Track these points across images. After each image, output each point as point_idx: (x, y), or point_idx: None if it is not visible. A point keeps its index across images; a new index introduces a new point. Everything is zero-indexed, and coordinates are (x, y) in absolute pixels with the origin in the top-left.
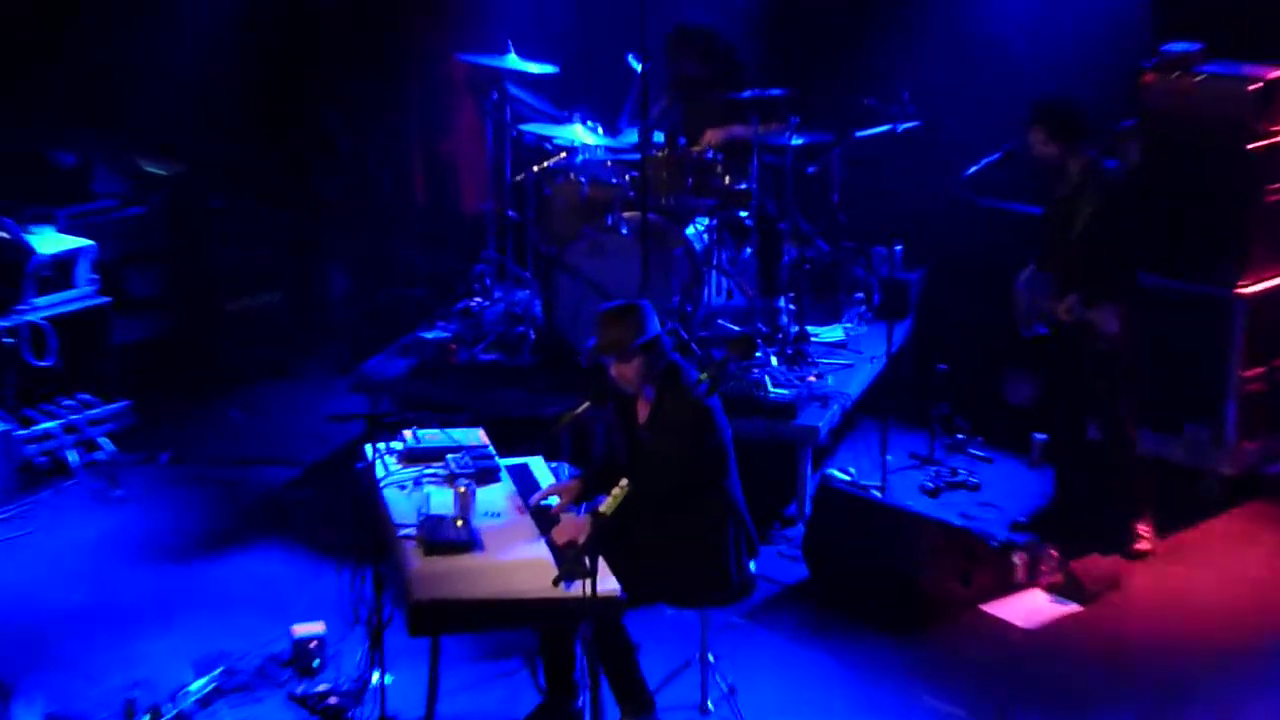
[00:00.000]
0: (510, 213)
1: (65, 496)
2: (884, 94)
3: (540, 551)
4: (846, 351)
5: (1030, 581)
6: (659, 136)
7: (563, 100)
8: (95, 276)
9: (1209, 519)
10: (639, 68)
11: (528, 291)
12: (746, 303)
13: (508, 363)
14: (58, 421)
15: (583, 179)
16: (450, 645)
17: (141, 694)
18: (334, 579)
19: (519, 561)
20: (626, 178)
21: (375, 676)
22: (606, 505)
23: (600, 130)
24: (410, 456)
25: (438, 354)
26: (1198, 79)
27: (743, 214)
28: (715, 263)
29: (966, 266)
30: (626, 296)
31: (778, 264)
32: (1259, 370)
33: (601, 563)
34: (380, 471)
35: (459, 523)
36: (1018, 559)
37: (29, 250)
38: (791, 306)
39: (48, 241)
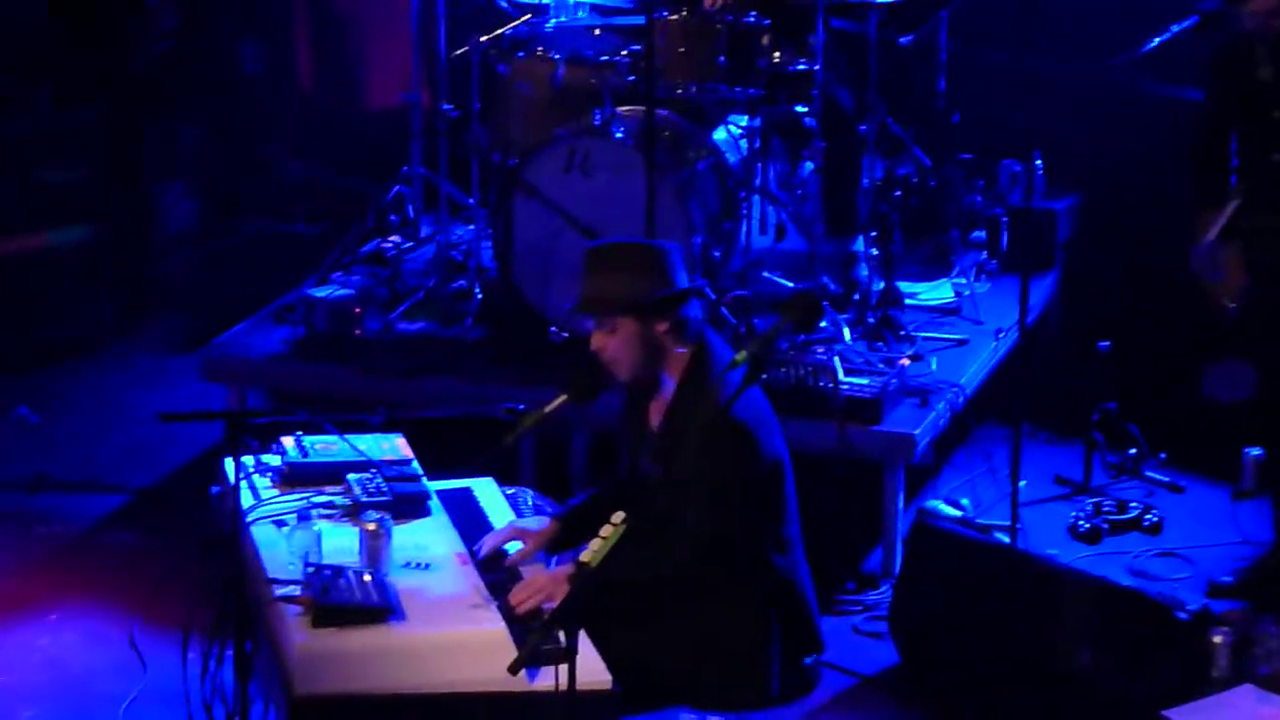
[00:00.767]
0: (445, 106)
1: None
2: None
3: (492, 624)
4: (959, 321)
5: (1238, 673)
6: None
7: None
8: None
9: None
10: None
11: (471, 228)
12: (806, 245)
13: (441, 335)
14: None
15: (556, 55)
16: None
17: None
18: (175, 663)
19: (458, 638)
20: (624, 53)
21: None
22: (592, 551)
23: None
24: (293, 478)
25: (334, 321)
26: None
27: (802, 109)
28: (759, 184)
29: (1143, 192)
30: (622, 234)
31: (854, 188)
32: None
33: (585, 640)
34: (247, 500)
35: (366, 578)
36: (1219, 638)
37: None
38: (875, 252)
39: None
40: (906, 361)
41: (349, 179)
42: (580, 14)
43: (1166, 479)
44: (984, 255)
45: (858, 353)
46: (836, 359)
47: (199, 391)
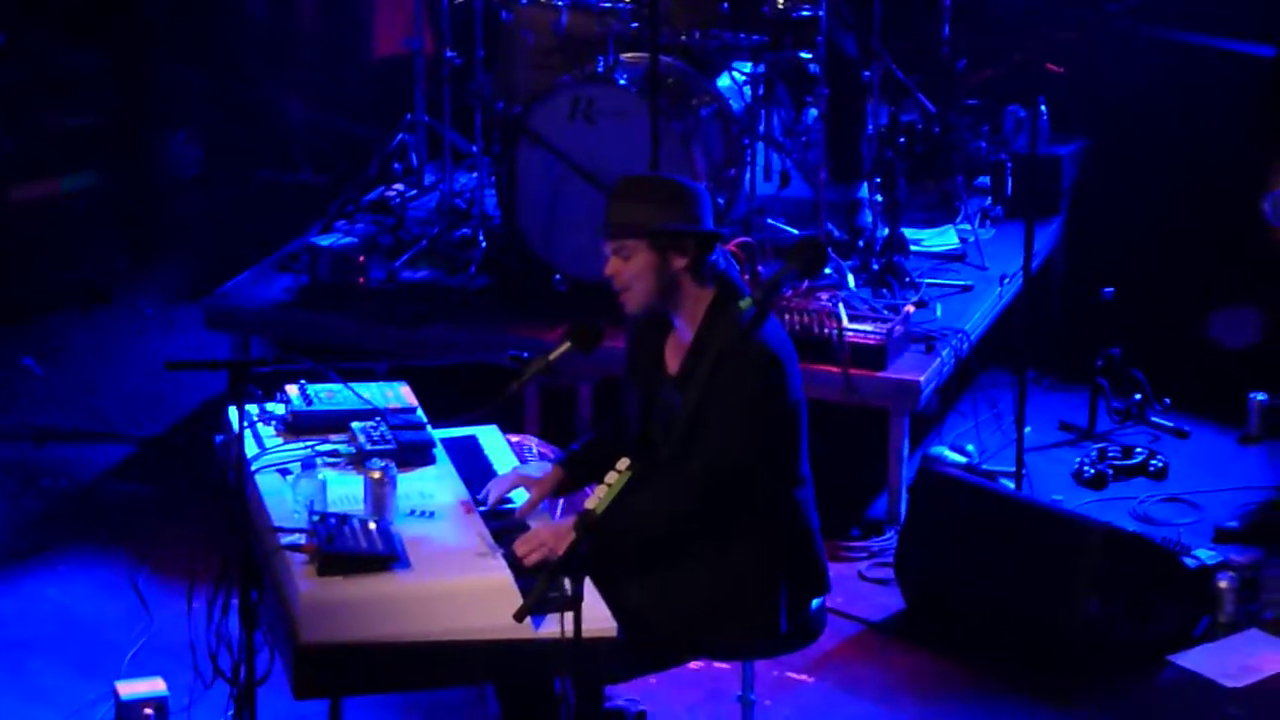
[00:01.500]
0: (449, 53)
1: None
2: None
3: (496, 571)
4: (963, 267)
5: (1243, 618)
6: None
7: None
8: None
9: None
10: None
11: (475, 175)
12: (811, 192)
13: (445, 283)
14: None
15: (560, 2)
16: (358, 713)
17: None
18: (179, 612)
19: (463, 586)
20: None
21: None
22: (597, 498)
23: None
24: (297, 426)
25: (338, 270)
26: None
27: (806, 56)
28: (763, 131)
29: (1147, 137)
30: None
31: (859, 134)
32: None
33: (590, 588)
34: (252, 449)
35: (371, 526)
36: (1225, 584)
37: None
38: (880, 198)
39: None
40: (911, 308)
41: (354, 125)
42: None
43: (1171, 424)
44: (989, 201)
45: (862, 299)
46: (841, 305)
47: (203, 340)
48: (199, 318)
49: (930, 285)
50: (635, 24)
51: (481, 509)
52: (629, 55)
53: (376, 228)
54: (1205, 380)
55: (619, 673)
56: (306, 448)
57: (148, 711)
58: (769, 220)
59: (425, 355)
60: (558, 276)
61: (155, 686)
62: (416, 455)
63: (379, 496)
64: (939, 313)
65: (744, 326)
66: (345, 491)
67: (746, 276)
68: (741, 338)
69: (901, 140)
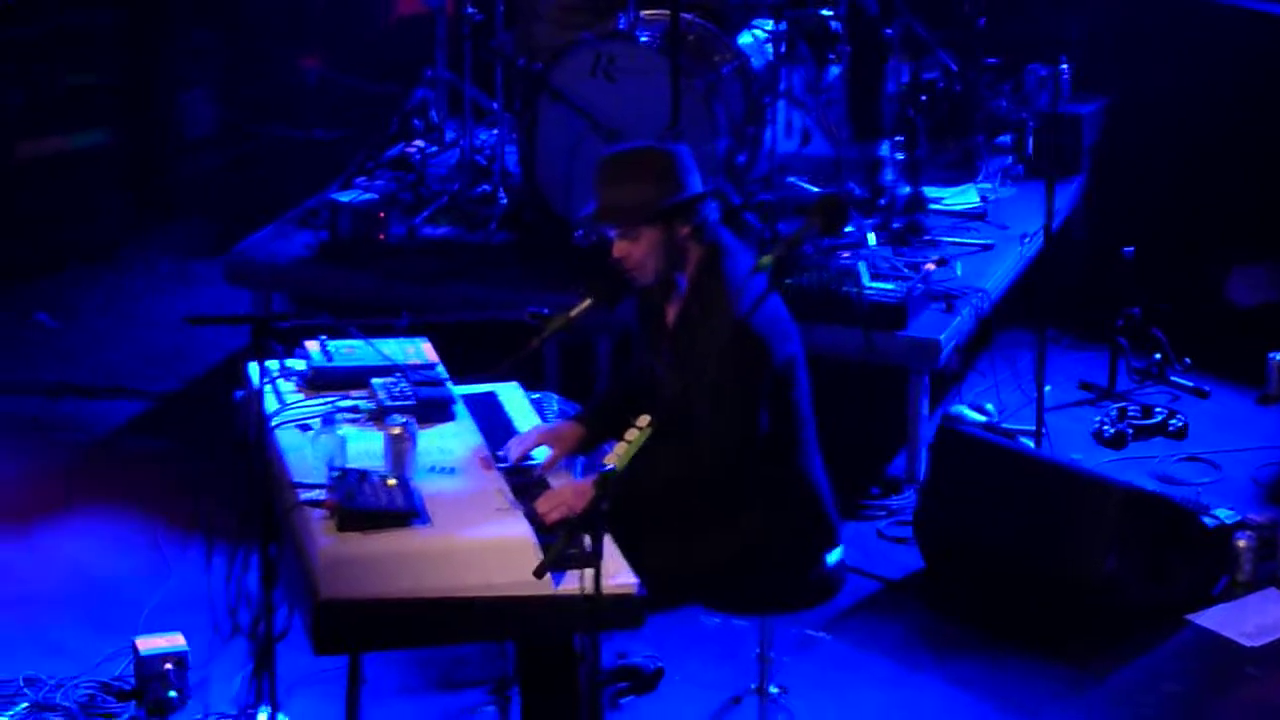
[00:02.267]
0: (469, 10)
1: None
2: None
3: (516, 528)
4: (984, 225)
5: (1261, 577)
6: None
7: None
8: None
9: None
10: None
11: (496, 131)
12: (832, 150)
13: (466, 239)
14: None
15: None
16: (377, 669)
17: None
18: (199, 567)
19: (482, 542)
20: None
21: (262, 717)
22: (617, 455)
23: None
24: (317, 382)
25: (358, 226)
26: None
27: (827, 13)
28: (784, 88)
29: (1171, 96)
30: (647, 137)
31: (880, 92)
32: None
33: (611, 545)
34: (271, 404)
35: (391, 483)
36: (1243, 543)
37: None
38: (901, 156)
39: None
40: (931, 266)
41: (372, 83)
42: None
43: (1191, 383)
44: (1010, 160)
45: (883, 258)
46: (861, 264)
47: (221, 295)
48: (215, 274)
49: (951, 244)
50: None
51: (502, 465)
52: (650, 12)
53: (397, 184)
54: (1225, 340)
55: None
56: (327, 403)
57: (167, 666)
58: (790, 178)
59: (445, 311)
60: (578, 232)
61: (174, 641)
62: (437, 411)
63: (399, 452)
64: (959, 271)
65: (731, 303)
66: (365, 447)
67: (767, 235)
68: (729, 320)
69: (923, 98)
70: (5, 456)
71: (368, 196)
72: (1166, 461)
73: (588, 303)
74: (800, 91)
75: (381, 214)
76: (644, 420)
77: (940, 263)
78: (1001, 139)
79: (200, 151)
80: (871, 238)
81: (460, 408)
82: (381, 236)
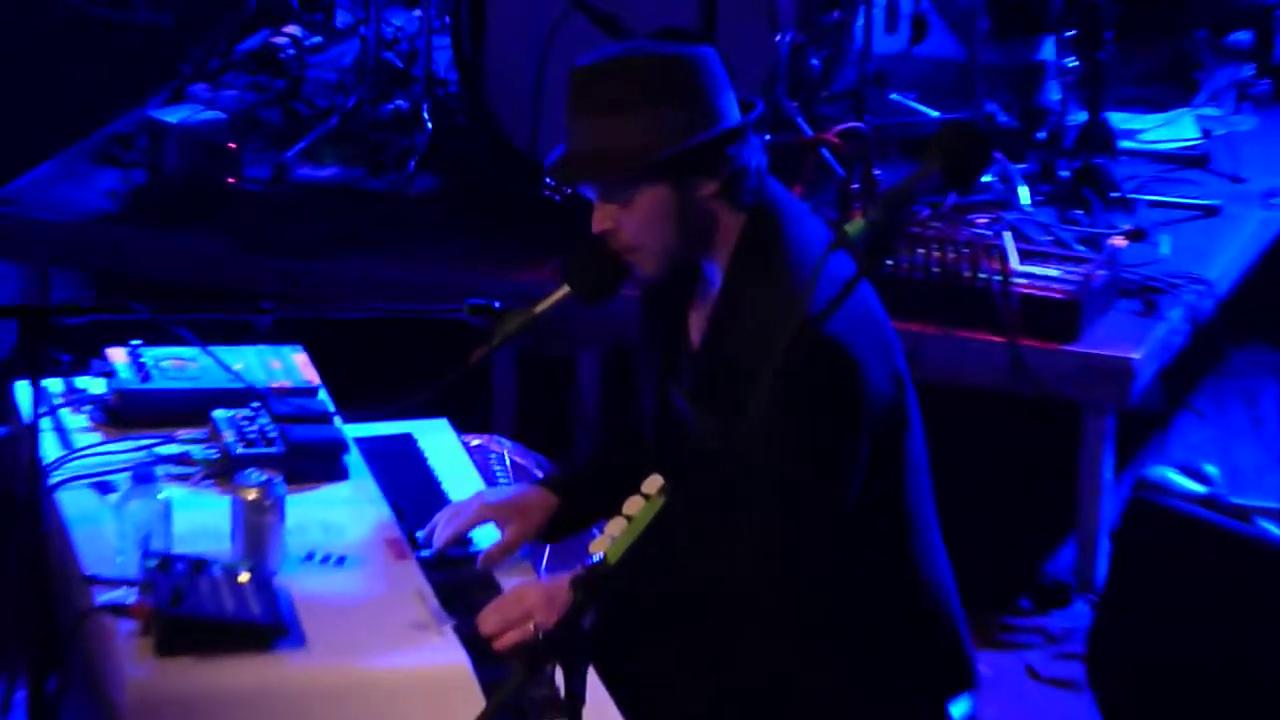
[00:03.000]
0: None
1: None
2: None
3: (445, 655)
4: (1206, 176)
5: None
6: None
7: None
8: None
9: None
10: None
11: (418, 14)
12: (963, 51)
13: (368, 187)
14: None
15: None
16: None
17: None
18: None
19: (390, 677)
20: None
21: None
22: (610, 541)
23: None
24: (125, 414)
25: (195, 162)
26: None
27: None
28: None
29: None
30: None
31: None
32: None
33: (597, 685)
34: (52, 450)
35: (243, 578)
36: None
37: None
38: (1074, 63)
39: None
40: (1121, 241)
41: None
42: None
43: None
44: (1249, 71)
45: (1042, 226)
46: (1008, 235)
47: None
48: None
49: (1152, 205)
50: None
51: (423, 553)
52: None
53: (256, 95)
54: None
55: None
56: (141, 449)
57: None
58: (894, 95)
59: (333, 303)
60: (549, 180)
61: None
62: (319, 464)
63: (257, 530)
64: (1166, 250)
65: (797, 301)
66: (202, 521)
67: (856, 187)
68: (796, 327)
69: None
70: None
71: (210, 115)
72: None
73: (564, 292)
74: None
75: (231, 144)
76: (653, 485)
77: (1135, 236)
78: (1234, 37)
79: None
80: (1025, 194)
81: (356, 458)
82: (231, 180)
